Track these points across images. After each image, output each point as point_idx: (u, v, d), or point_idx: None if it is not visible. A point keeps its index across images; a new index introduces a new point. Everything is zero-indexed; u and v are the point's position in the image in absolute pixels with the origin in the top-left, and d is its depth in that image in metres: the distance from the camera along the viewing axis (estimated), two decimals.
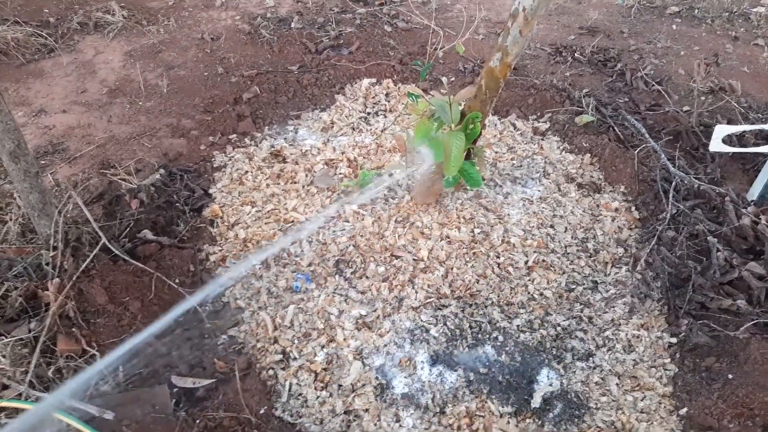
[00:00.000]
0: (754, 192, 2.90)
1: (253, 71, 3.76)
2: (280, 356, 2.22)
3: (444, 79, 2.22)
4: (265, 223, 2.74)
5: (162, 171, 2.89)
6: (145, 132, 3.29)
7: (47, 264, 2.36)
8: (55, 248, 2.40)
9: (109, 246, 2.37)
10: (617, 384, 2.18)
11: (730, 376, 2.10)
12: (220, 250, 2.64)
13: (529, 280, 2.54)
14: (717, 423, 1.98)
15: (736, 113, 3.63)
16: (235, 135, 3.30)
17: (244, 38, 4.13)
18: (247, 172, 3.04)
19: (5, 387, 1.95)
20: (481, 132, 2.39)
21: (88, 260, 2.32)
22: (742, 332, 2.18)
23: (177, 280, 2.46)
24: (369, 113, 3.44)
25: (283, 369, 2.17)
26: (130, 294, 2.32)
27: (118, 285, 2.32)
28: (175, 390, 2.06)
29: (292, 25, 4.27)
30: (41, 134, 3.22)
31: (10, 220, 2.54)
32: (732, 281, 2.44)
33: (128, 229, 2.62)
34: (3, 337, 2.05)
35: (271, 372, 2.17)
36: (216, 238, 2.71)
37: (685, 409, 2.07)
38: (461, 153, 2.22)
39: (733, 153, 3.26)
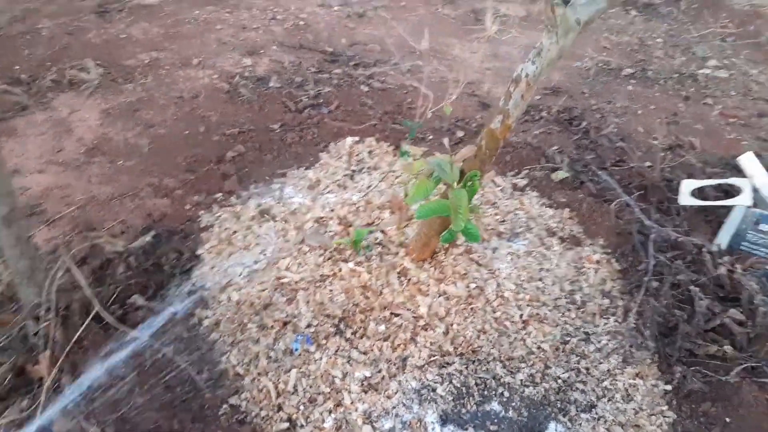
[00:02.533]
0: (721, 241, 3.08)
1: (234, 129, 3.78)
2: (287, 424, 2.17)
3: (445, 141, 2.30)
4: (259, 284, 2.71)
5: (152, 233, 2.84)
6: (127, 192, 3.24)
7: (34, 335, 2.26)
8: (39, 318, 2.31)
9: (103, 314, 2.29)
10: None
11: (727, 420, 2.19)
12: (213, 314, 2.59)
13: (526, 333, 2.59)
14: None
15: (694, 168, 3.87)
16: (220, 194, 3.28)
17: (224, 97, 4.16)
18: (235, 231, 3.01)
19: None
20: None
21: (81, 330, 2.24)
22: (733, 377, 2.29)
23: (171, 348, 2.39)
24: (354, 171, 3.50)
25: None
26: (125, 364, 2.23)
27: (111, 356, 2.23)
28: None
29: (271, 84, 4.33)
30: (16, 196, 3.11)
31: None
32: (715, 328, 2.56)
33: (116, 294, 2.55)
34: None
35: None
36: (208, 301, 2.65)
37: None
38: (467, 209, 2.28)
39: (699, 206, 3.46)
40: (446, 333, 2.52)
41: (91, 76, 4.16)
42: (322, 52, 5.04)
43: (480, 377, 2.38)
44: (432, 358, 2.42)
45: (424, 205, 2.43)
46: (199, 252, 2.90)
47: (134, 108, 3.98)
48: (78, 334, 2.19)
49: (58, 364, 2.08)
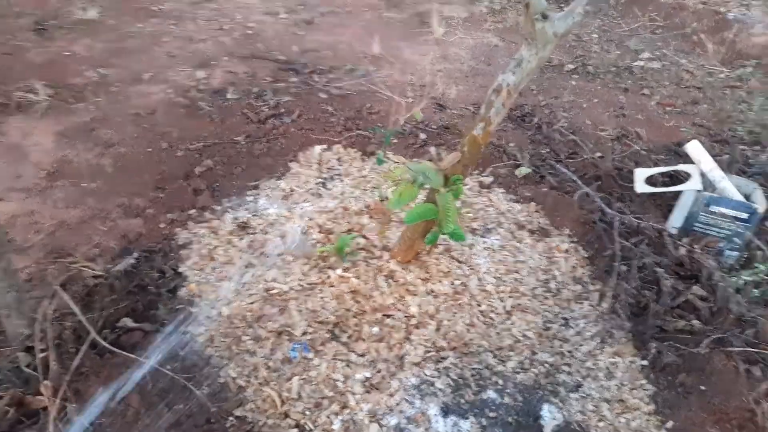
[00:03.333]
0: (674, 224, 3.32)
1: (199, 144, 3.76)
2: (296, 430, 2.22)
3: (432, 149, 2.40)
4: (248, 296, 2.73)
5: (135, 255, 2.80)
6: (97, 215, 3.17)
7: (27, 366, 2.21)
8: (31, 349, 2.26)
9: (99, 340, 2.26)
10: (608, 409, 2.39)
11: (703, 388, 2.39)
12: (206, 330, 2.59)
13: (511, 323, 2.73)
14: (701, 430, 2.24)
15: (642, 156, 4.13)
16: (194, 210, 3.26)
17: (182, 111, 4.11)
18: (216, 246, 3.01)
19: None
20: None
21: (79, 357, 2.21)
22: (703, 348, 2.50)
23: (168, 367, 2.38)
24: (326, 178, 3.55)
25: None
26: (127, 387, 2.22)
27: (112, 380, 2.21)
28: None
29: (228, 95, 4.32)
30: None
31: None
32: (680, 305, 2.78)
33: (104, 319, 2.51)
34: None
35: None
36: (199, 318, 2.65)
37: (671, 423, 2.32)
38: (455, 212, 2.39)
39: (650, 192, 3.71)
40: (438, 329, 2.62)
41: (40, 97, 4.02)
42: (275, 61, 5.05)
43: (474, 368, 2.50)
44: (428, 354, 2.51)
45: (411, 209, 2.53)
46: (181, 269, 2.88)
47: (90, 128, 3.88)
48: (76, 361, 2.15)
49: (60, 393, 2.04)
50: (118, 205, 3.25)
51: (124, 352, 2.31)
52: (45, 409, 2.03)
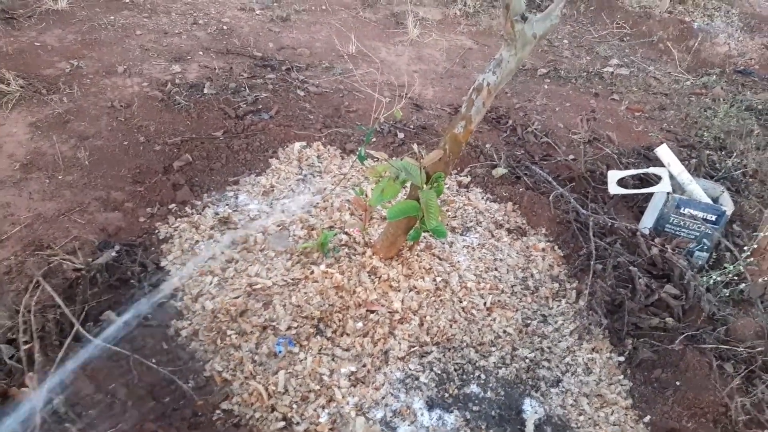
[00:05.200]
0: (646, 225, 3.45)
1: (176, 139, 3.72)
2: (282, 423, 2.23)
3: (415, 146, 2.44)
4: (231, 291, 2.73)
5: (116, 248, 2.76)
6: (74, 207, 3.11)
7: (11, 358, 2.17)
8: (13, 341, 2.23)
9: (83, 332, 2.23)
10: (588, 403, 2.47)
11: (677, 383, 2.49)
12: (190, 324, 2.58)
13: (492, 319, 2.79)
14: (678, 425, 2.33)
15: (612, 160, 4.26)
16: (174, 204, 3.23)
17: (158, 105, 4.06)
18: (198, 241, 2.99)
19: None
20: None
21: (64, 349, 2.17)
22: (677, 344, 2.60)
23: (154, 360, 2.37)
24: (306, 175, 3.56)
25: None
26: (113, 380, 2.20)
27: (99, 372, 2.19)
28: None
29: (205, 90, 4.28)
30: None
31: None
32: (654, 303, 2.88)
33: (86, 312, 2.48)
34: None
35: None
36: (182, 312, 2.64)
37: (648, 417, 2.41)
38: (438, 208, 2.44)
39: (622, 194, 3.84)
40: (421, 325, 2.67)
41: (11, 88, 3.91)
42: (251, 57, 5.02)
43: (457, 363, 2.55)
44: (412, 349, 2.55)
45: (394, 206, 2.56)
46: (163, 264, 2.86)
47: (64, 120, 3.79)
48: (61, 353, 2.12)
49: (46, 384, 2.01)
50: (96, 199, 3.19)
51: (111, 345, 2.28)
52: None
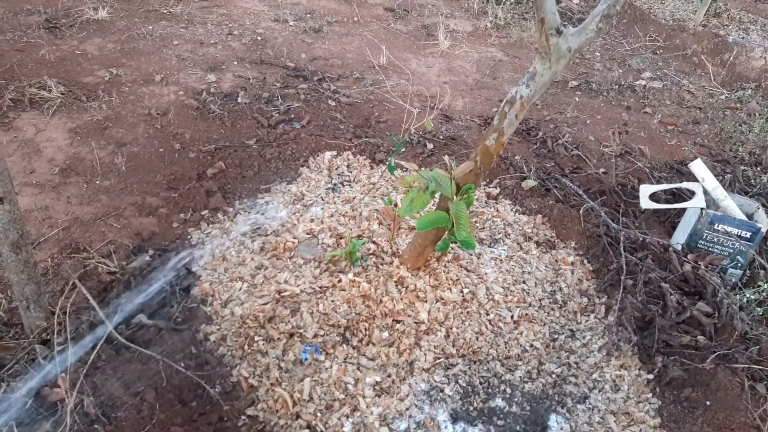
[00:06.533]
0: (678, 240, 3.39)
1: (210, 146, 3.79)
2: (307, 431, 2.25)
3: (446, 158, 2.45)
4: (259, 297, 2.76)
5: (150, 253, 2.83)
6: (110, 212, 3.20)
7: (44, 358, 2.24)
8: (48, 341, 2.29)
9: (116, 335, 2.29)
10: (615, 421, 2.44)
11: (708, 403, 2.44)
12: (218, 329, 2.62)
13: (519, 333, 2.77)
14: None
15: (645, 173, 4.21)
16: (207, 211, 3.30)
17: (193, 113, 4.15)
18: (228, 247, 3.04)
19: None
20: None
21: (95, 351, 2.23)
22: (708, 363, 2.55)
23: (183, 364, 2.41)
24: (336, 184, 3.60)
25: None
26: (142, 383, 2.24)
27: (128, 374, 2.24)
28: None
29: (239, 99, 4.36)
30: None
31: None
32: (685, 320, 2.83)
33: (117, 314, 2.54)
34: None
35: None
36: (212, 317, 2.68)
37: None
38: (467, 219, 2.44)
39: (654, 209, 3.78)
40: (447, 336, 2.66)
41: (53, 94, 4.05)
42: (284, 68, 5.10)
43: (483, 376, 2.54)
44: (437, 361, 2.55)
45: (423, 216, 2.57)
46: (194, 269, 2.91)
47: (102, 126, 3.91)
48: (93, 355, 2.18)
49: (78, 386, 2.07)
50: (131, 204, 3.28)
51: (141, 348, 2.33)
52: (62, 401, 2.05)
